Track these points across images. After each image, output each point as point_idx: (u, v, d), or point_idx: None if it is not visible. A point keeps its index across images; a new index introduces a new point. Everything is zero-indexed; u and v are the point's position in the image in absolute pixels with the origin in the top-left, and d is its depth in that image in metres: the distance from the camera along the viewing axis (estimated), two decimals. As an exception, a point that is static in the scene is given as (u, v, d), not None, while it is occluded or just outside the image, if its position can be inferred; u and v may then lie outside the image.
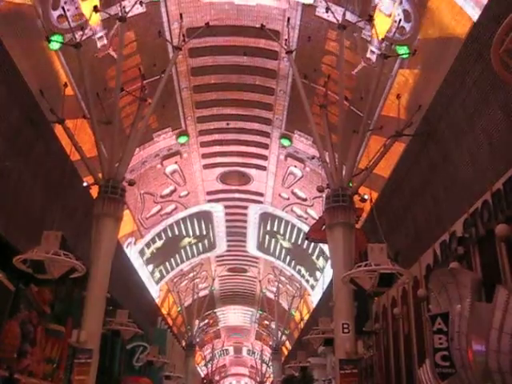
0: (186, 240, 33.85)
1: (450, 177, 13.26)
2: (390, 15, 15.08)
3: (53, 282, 12.13)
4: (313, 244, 31.20)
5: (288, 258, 36.85)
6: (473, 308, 8.65)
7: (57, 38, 14.86)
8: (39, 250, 11.15)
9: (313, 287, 36.28)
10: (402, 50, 15.10)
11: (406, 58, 15.25)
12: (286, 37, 17.17)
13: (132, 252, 28.82)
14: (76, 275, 11.75)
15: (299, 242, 33.43)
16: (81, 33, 14.76)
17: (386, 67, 14.63)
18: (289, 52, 16.81)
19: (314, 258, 33.62)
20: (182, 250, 35.28)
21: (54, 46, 15.04)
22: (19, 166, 13.68)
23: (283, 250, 36.36)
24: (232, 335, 62.88)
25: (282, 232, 33.70)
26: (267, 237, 35.68)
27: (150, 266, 33.29)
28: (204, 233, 34.60)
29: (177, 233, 32.60)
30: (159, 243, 31.78)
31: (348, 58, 16.38)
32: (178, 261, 36.14)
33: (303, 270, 36.76)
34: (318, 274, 34.66)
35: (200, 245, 35.79)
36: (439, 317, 9.09)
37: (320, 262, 33.08)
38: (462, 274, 9.53)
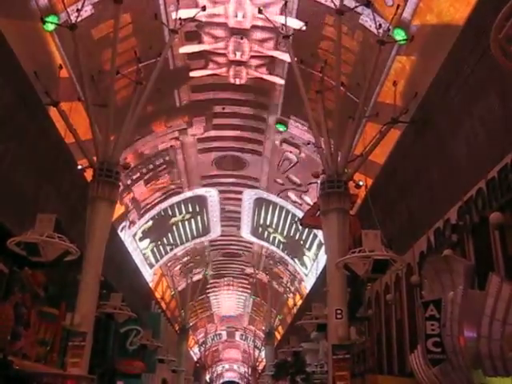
0: (179, 217, 33.65)
1: (445, 164, 13.28)
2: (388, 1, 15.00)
3: (47, 265, 12.10)
4: (306, 231, 31.33)
5: (281, 246, 37.04)
6: (465, 295, 8.69)
7: (52, 18, 14.68)
8: (33, 233, 11.13)
9: (306, 274, 36.48)
10: (400, 37, 15.03)
11: (404, 44, 15.18)
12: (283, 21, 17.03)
13: (126, 235, 28.83)
14: (70, 258, 11.75)
15: (292, 231, 33.57)
16: (76, 14, 14.58)
17: (383, 53, 14.55)
18: (286, 37, 16.68)
19: (306, 246, 33.79)
20: (176, 235, 35.27)
21: (49, 27, 14.88)
22: (13, 149, 13.61)
23: (276, 240, 36.53)
24: (225, 319, 63.17)
25: (275, 219, 33.79)
26: (260, 228, 35.84)
27: (144, 249, 33.33)
28: (198, 217, 34.61)
29: (171, 217, 32.60)
30: (147, 228, 31.78)
31: (345, 44, 16.28)
32: (173, 245, 36.17)
33: (297, 259, 36.96)
34: (309, 262, 34.86)
35: (194, 229, 35.78)
36: (432, 303, 9.13)
37: (313, 250, 33.23)
38: (456, 262, 9.56)
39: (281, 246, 37.24)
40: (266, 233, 36.42)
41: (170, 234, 34.98)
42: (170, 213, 32.35)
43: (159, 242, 34.68)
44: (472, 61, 11.18)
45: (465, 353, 8.24)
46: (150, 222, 31.46)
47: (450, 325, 8.60)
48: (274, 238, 36.45)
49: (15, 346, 13.22)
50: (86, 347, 12.83)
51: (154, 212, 30.89)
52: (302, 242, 34.26)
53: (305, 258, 35.62)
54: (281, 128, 24.98)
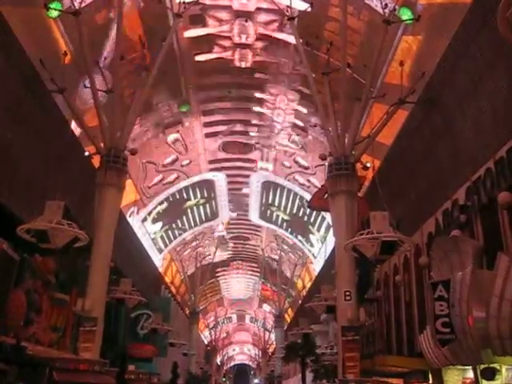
0: (193, 201, 33.70)
1: (452, 144, 13.18)
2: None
3: (57, 252, 12.19)
4: (314, 213, 31.30)
5: (290, 228, 37.08)
6: (474, 275, 8.68)
7: (55, 5, 14.64)
8: (42, 220, 11.20)
9: (315, 256, 36.53)
10: (406, 16, 14.87)
11: (410, 24, 15.02)
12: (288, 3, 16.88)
13: (135, 221, 28.93)
14: (79, 244, 11.82)
15: (300, 212, 33.55)
16: (79, 0, 14.50)
17: (389, 34, 14.41)
18: (291, 19, 16.54)
19: (314, 228, 33.80)
20: (185, 219, 35.36)
21: (53, 13, 14.82)
22: (21, 137, 13.63)
23: (284, 222, 36.56)
24: (235, 303, 63.51)
25: (284, 201, 33.78)
26: (268, 211, 35.86)
27: (153, 235, 33.45)
28: (207, 202, 34.66)
29: (179, 202, 32.67)
30: (162, 211, 31.86)
31: (351, 25, 16.14)
32: (181, 230, 36.28)
33: (304, 240, 36.99)
34: (318, 244, 34.90)
35: (202, 213, 35.85)
36: (441, 284, 9.13)
37: (321, 232, 33.24)
38: (464, 242, 9.54)
39: (289, 229, 37.27)
40: (274, 215, 36.45)
41: (180, 219, 35.10)
42: (186, 196, 32.37)
43: (169, 226, 34.81)
44: (479, 40, 11.04)
45: (474, 333, 8.25)
46: (165, 204, 31.54)
47: (459, 305, 8.60)
48: (283, 219, 36.47)
49: (28, 331, 13.36)
50: (98, 332, 12.98)
51: (162, 197, 30.94)
52: (310, 226, 34.25)
53: (313, 240, 35.64)
54: (287, 111, 24.90)
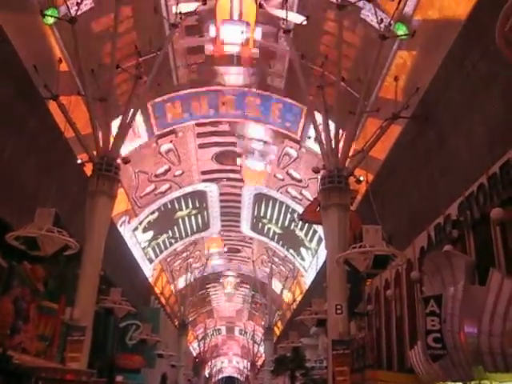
0: (185, 212, 33.59)
1: (446, 160, 13.22)
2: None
3: (46, 259, 12.07)
4: (306, 226, 31.26)
5: (281, 241, 37.01)
6: (466, 290, 8.66)
7: (51, 12, 14.63)
8: (32, 227, 11.08)
9: (305, 269, 36.44)
10: (401, 31, 14.96)
11: (405, 39, 15.11)
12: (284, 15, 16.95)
13: (126, 231, 28.78)
14: (69, 252, 11.70)
15: (292, 225, 33.51)
16: (76, 7, 14.49)
17: (384, 48, 14.48)
18: (286, 31, 16.61)
19: (306, 241, 33.75)
20: (176, 229, 35.22)
21: (49, 20, 14.82)
22: (13, 143, 13.55)
23: (276, 235, 36.51)
24: (224, 315, 63.17)
25: (275, 213, 33.74)
26: (260, 223, 35.80)
27: (144, 244, 33.27)
28: (199, 212, 34.55)
29: (170, 212, 32.54)
30: (153, 220, 31.71)
31: (346, 39, 16.21)
32: (172, 240, 36.12)
33: (295, 253, 36.93)
34: (309, 257, 34.83)
35: (194, 224, 35.73)
36: (432, 299, 9.09)
37: (312, 245, 33.18)
38: (456, 257, 9.53)
39: (280, 242, 37.19)
40: (265, 228, 36.38)
41: (171, 229, 34.95)
42: (177, 206, 32.30)
43: (160, 236, 34.62)
44: (473, 56, 11.12)
45: (465, 349, 8.21)
46: (156, 214, 31.42)
47: (451, 320, 8.56)
48: (274, 232, 36.40)
49: (15, 340, 13.20)
50: (86, 342, 12.81)
51: (153, 207, 30.82)
52: (301, 238, 34.19)
53: (304, 253, 35.57)
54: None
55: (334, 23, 16.99)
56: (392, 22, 14.56)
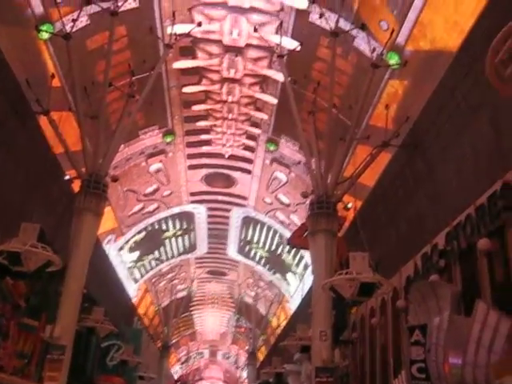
0: (171, 232, 33.43)
1: (434, 189, 13.28)
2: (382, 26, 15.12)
3: (29, 275, 11.88)
4: (293, 251, 31.21)
5: (268, 265, 36.89)
6: (451, 321, 8.61)
7: (46, 27, 14.66)
8: (16, 242, 10.93)
9: (291, 294, 36.26)
10: (393, 61, 15.12)
11: (397, 68, 15.27)
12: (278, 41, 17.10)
13: (111, 249, 28.55)
14: (53, 269, 11.54)
15: (279, 249, 33.45)
16: (71, 24, 14.53)
17: (376, 77, 14.61)
18: (280, 56, 16.74)
19: (292, 266, 33.67)
20: (163, 250, 35.00)
21: (44, 35, 14.83)
22: (1, 156, 13.46)
23: (263, 258, 36.39)
24: (208, 338, 62.52)
25: (262, 238, 33.67)
26: (247, 247, 35.71)
27: (130, 264, 33.00)
28: (185, 233, 34.39)
29: (157, 232, 32.37)
30: (140, 240, 31.50)
31: (339, 66, 16.36)
32: (158, 261, 35.87)
33: (281, 278, 36.79)
34: (295, 282, 34.70)
35: (181, 245, 35.53)
36: (417, 328, 9.04)
37: (299, 269, 33.09)
38: (442, 287, 9.50)
39: (267, 266, 37.05)
40: (252, 252, 36.25)
41: (158, 249, 34.72)
42: (164, 227, 32.13)
43: (147, 257, 34.37)
44: (464, 87, 11.25)
45: (449, 379, 8.13)
46: (143, 234, 31.21)
47: (435, 350, 8.50)
48: (261, 256, 36.28)
49: (-8, 357, 12.95)
50: (65, 361, 12.55)
51: (141, 226, 30.65)
52: (287, 263, 34.11)
53: (290, 278, 35.43)
54: (271, 147, 25.02)
55: (327, 50, 17.14)
56: (384, 51, 14.73)
